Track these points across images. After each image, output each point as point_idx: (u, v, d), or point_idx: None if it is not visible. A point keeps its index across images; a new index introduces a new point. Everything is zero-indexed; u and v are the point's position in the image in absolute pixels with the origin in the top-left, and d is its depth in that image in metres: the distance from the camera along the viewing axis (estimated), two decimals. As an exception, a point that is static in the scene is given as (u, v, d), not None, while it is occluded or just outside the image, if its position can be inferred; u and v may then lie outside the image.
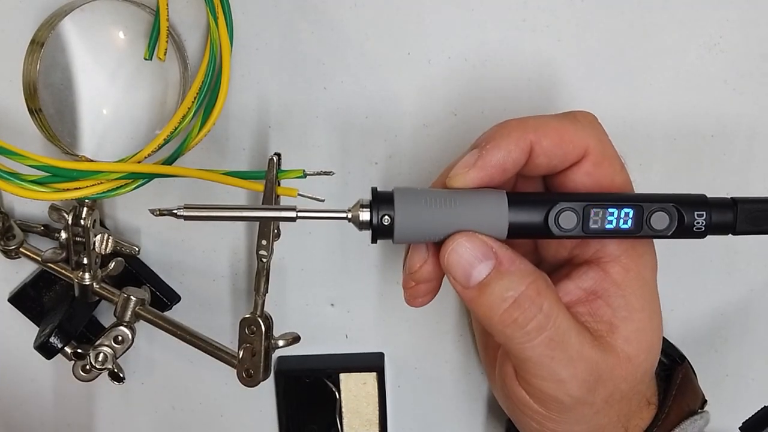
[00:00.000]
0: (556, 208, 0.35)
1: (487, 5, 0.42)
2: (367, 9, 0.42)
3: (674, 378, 0.42)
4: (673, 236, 0.36)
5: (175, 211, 0.34)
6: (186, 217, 0.34)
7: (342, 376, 0.48)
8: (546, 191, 0.39)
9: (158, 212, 0.34)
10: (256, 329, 0.42)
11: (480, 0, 0.42)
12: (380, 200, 0.35)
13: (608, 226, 0.35)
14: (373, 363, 0.48)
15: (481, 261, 0.35)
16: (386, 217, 0.34)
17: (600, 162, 0.36)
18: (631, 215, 0.35)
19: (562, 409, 0.36)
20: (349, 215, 0.35)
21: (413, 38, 0.43)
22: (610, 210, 0.35)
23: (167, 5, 0.39)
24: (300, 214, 0.35)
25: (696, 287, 0.48)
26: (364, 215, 0.34)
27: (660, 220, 0.35)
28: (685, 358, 0.44)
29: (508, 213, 0.35)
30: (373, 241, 0.35)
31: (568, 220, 0.35)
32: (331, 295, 0.48)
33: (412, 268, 0.37)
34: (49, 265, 0.44)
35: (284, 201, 0.40)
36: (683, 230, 0.35)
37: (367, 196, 0.35)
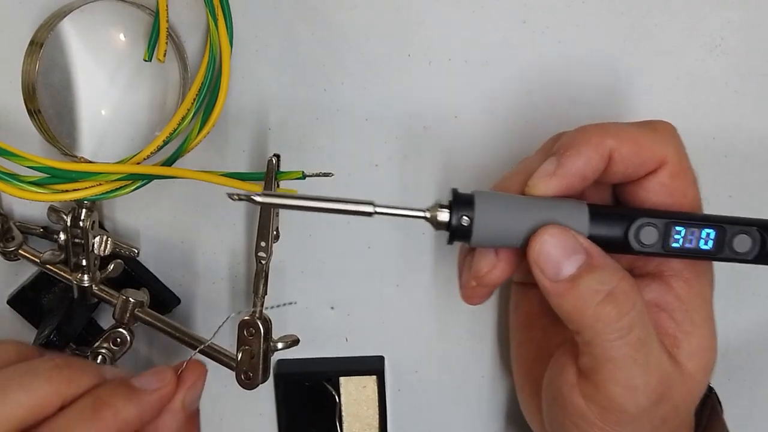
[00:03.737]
0: (637, 223, 0.35)
1: (487, 6, 0.42)
2: (367, 10, 0.42)
3: (705, 409, 0.41)
4: (754, 261, 0.35)
5: (252, 197, 0.34)
6: (263, 204, 0.34)
7: (342, 379, 0.48)
8: (617, 201, 0.39)
9: (236, 197, 0.34)
10: (254, 331, 0.41)
11: (480, 1, 0.42)
12: (460, 202, 0.34)
13: (688, 245, 0.35)
14: (373, 366, 0.48)
15: (572, 254, 0.34)
16: (465, 218, 0.34)
17: (676, 173, 0.36)
18: (712, 236, 0.35)
19: (621, 421, 0.35)
20: (428, 215, 0.35)
21: (413, 39, 0.43)
22: (692, 229, 0.35)
23: (167, 6, 0.39)
24: (378, 210, 0.34)
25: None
26: (443, 216, 0.34)
27: (742, 243, 0.35)
28: (713, 389, 0.43)
29: (588, 225, 0.35)
30: (450, 242, 0.35)
31: (649, 235, 0.35)
32: (331, 297, 0.48)
33: (479, 272, 0.37)
34: (48, 266, 0.44)
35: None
36: (766, 255, 0.35)
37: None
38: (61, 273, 0.44)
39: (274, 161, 0.39)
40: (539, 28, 0.43)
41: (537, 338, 0.42)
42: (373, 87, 0.43)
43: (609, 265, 0.35)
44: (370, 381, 0.48)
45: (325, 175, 0.39)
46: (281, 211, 0.42)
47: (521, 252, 0.35)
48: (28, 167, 0.38)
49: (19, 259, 0.44)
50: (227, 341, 0.46)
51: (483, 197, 0.35)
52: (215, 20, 0.40)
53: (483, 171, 0.45)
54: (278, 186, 0.39)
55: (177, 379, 0.37)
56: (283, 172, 0.39)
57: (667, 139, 0.36)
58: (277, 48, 0.43)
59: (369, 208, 0.34)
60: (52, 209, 0.42)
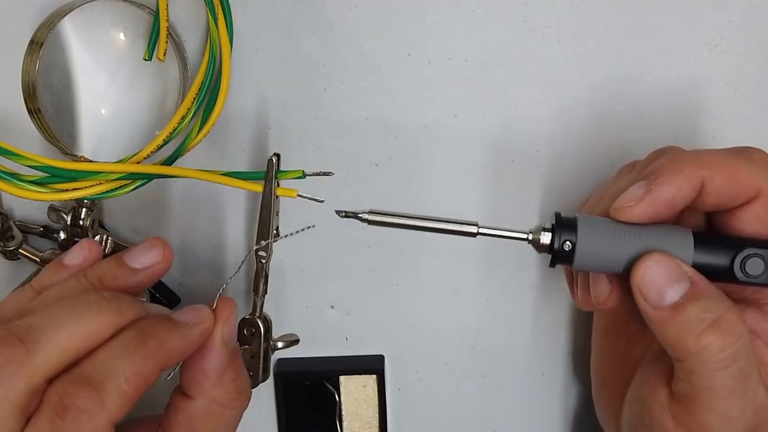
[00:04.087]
0: (744, 254, 0.34)
1: (487, 6, 0.42)
2: (367, 10, 0.42)
3: None
4: None
5: (360, 215, 0.35)
6: (370, 222, 0.35)
7: (342, 378, 0.48)
8: (711, 228, 0.38)
9: (344, 214, 0.36)
10: (255, 330, 0.41)
11: (480, 1, 0.42)
12: (563, 225, 0.35)
13: None
14: (373, 365, 0.48)
15: (676, 282, 0.34)
16: (567, 243, 0.35)
17: None
18: None
19: None
20: (530, 237, 0.35)
21: (413, 39, 0.43)
22: None
23: (167, 6, 0.39)
24: (481, 231, 0.35)
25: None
26: (545, 239, 0.35)
27: None
28: None
29: (693, 253, 0.35)
30: (552, 265, 0.35)
31: (755, 266, 0.34)
32: (331, 297, 0.48)
33: (599, 299, 0.37)
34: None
35: (284, 202, 0.40)
36: None
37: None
38: (62, 272, 0.44)
39: (274, 160, 0.39)
40: (539, 28, 0.43)
41: (620, 346, 0.42)
42: (373, 86, 0.43)
43: (714, 294, 0.34)
44: (370, 380, 0.48)
45: (325, 174, 0.39)
46: (282, 211, 0.42)
47: (626, 276, 0.35)
48: (28, 166, 0.38)
49: (19, 258, 0.44)
50: (227, 340, 0.46)
51: (586, 222, 0.35)
52: (215, 19, 0.40)
53: (483, 170, 0.45)
54: (278, 185, 0.39)
55: (214, 315, 0.37)
56: (283, 172, 0.39)
57: (762, 170, 0.35)
58: (277, 47, 0.43)
59: (473, 229, 0.35)
60: (53, 208, 0.42)
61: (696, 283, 0.34)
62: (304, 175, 0.39)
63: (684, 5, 0.42)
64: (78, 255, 0.38)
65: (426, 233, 0.36)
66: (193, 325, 0.36)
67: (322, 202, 0.38)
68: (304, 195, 0.38)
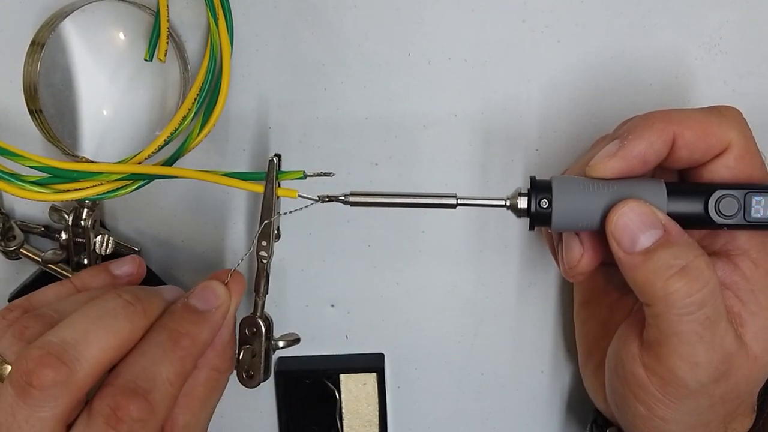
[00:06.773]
0: (716, 195, 0.35)
1: (487, 6, 0.42)
2: (367, 9, 0.42)
3: None
4: None
5: (341, 197, 0.37)
6: (352, 203, 0.36)
7: (342, 376, 0.48)
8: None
9: (327, 198, 0.37)
10: (256, 330, 0.42)
11: (480, 0, 0.42)
12: (538, 188, 0.36)
13: None
14: (373, 364, 0.48)
15: (649, 228, 0.35)
16: (544, 202, 0.35)
17: (742, 156, 0.36)
18: None
19: (680, 395, 0.36)
20: (508, 203, 0.36)
21: (413, 39, 0.43)
22: None
23: (167, 6, 0.39)
24: (460, 202, 0.36)
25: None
26: (522, 202, 0.36)
27: None
28: None
29: (667, 202, 0.35)
30: (531, 227, 0.36)
31: (729, 206, 0.35)
32: (331, 296, 0.48)
33: (571, 263, 0.38)
34: (50, 265, 0.44)
35: (284, 202, 0.40)
36: None
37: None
38: (63, 272, 0.44)
39: (275, 161, 0.39)
40: (538, 28, 0.43)
41: (601, 315, 0.43)
42: (373, 86, 0.43)
43: (686, 242, 0.35)
44: (370, 378, 0.48)
45: (326, 174, 0.39)
46: (283, 212, 0.42)
47: (603, 234, 0.36)
48: (29, 167, 0.38)
49: (20, 258, 0.44)
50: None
51: (560, 181, 0.36)
52: (216, 20, 0.40)
53: (482, 169, 0.45)
54: (279, 185, 0.39)
55: (229, 293, 0.39)
56: (283, 172, 0.39)
57: (732, 123, 0.36)
58: (277, 47, 0.43)
59: (452, 201, 0.36)
60: (54, 209, 0.42)
61: (669, 230, 0.35)
62: (305, 176, 0.39)
63: (682, 5, 0.43)
64: (128, 268, 0.41)
65: (413, 210, 0.37)
66: (215, 311, 0.38)
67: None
68: (305, 195, 0.39)
